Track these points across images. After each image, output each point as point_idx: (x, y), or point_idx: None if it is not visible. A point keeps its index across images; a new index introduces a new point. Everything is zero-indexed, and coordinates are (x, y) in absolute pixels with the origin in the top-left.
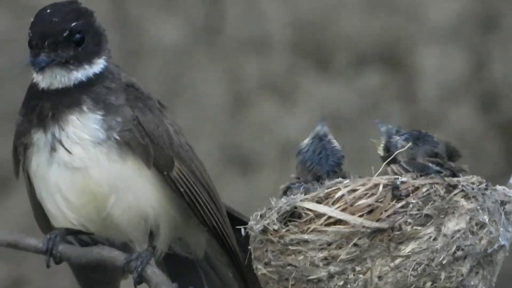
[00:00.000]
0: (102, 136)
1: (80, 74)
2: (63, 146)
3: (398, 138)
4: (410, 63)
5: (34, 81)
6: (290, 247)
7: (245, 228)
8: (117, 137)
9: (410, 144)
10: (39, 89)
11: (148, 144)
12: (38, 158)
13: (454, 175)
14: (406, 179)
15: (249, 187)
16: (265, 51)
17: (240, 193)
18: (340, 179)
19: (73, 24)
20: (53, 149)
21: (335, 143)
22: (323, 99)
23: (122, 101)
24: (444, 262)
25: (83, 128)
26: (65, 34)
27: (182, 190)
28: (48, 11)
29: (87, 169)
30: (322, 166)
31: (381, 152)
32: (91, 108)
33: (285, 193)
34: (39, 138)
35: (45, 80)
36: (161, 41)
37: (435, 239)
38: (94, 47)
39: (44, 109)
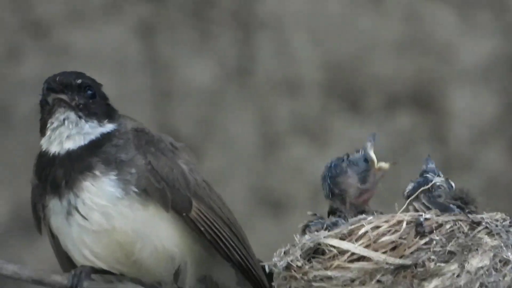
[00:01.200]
0: (120, 196)
1: (88, 126)
2: (79, 212)
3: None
4: (441, 105)
5: (43, 149)
6: (314, 284)
7: (268, 265)
8: (136, 189)
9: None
10: (50, 155)
11: (164, 187)
12: (57, 219)
13: None
14: (429, 216)
15: (280, 229)
16: (296, 93)
17: (272, 235)
18: (363, 215)
19: (85, 78)
20: (69, 214)
21: (358, 158)
22: (355, 140)
23: (132, 152)
24: None
25: (99, 194)
26: (78, 81)
27: (202, 229)
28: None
29: (109, 227)
30: (324, 186)
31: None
32: (104, 171)
33: (303, 231)
34: (55, 204)
35: (55, 135)
36: (192, 83)
37: (458, 275)
38: (104, 110)
39: (56, 177)
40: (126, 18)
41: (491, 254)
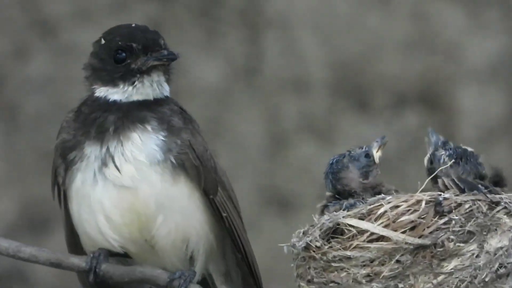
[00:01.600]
0: (159, 158)
1: (166, 87)
2: (114, 163)
3: (443, 153)
4: (449, 103)
5: (98, 95)
6: (333, 264)
7: (287, 246)
8: (173, 161)
9: (451, 162)
10: (108, 101)
11: (199, 165)
12: (85, 174)
13: None
14: (448, 195)
15: (288, 228)
16: (304, 92)
17: (279, 234)
18: (382, 195)
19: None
20: (104, 164)
21: (359, 154)
22: (362, 139)
23: (181, 123)
24: (487, 279)
25: (142, 148)
26: (163, 42)
27: (224, 215)
28: (134, 25)
29: (136, 188)
30: (327, 183)
31: (425, 162)
32: (155, 128)
33: (322, 212)
34: (93, 151)
35: (134, 90)
36: (200, 82)
37: (477, 256)
38: None
39: (106, 122)
40: (133, 17)
41: (510, 235)
